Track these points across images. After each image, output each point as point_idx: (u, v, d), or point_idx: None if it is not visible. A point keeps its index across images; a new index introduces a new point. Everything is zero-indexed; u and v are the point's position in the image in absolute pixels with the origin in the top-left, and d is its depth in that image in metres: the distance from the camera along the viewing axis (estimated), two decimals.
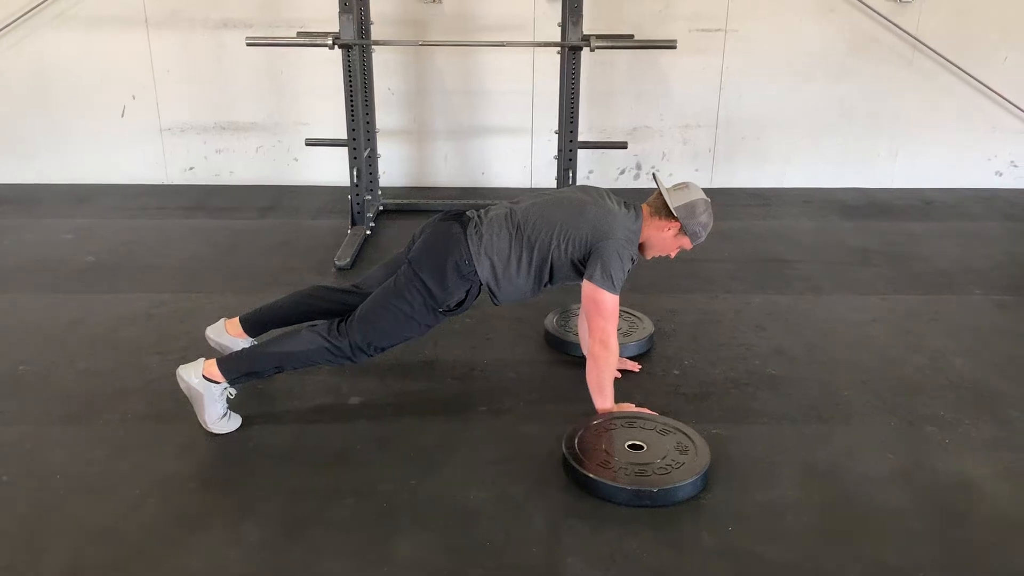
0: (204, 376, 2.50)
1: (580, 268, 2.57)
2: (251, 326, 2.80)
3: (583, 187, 2.77)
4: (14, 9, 4.83)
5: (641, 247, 2.64)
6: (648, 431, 2.48)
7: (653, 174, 2.75)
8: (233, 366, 2.55)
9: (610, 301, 2.51)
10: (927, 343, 3.21)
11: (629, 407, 2.61)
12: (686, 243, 2.63)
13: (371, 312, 2.58)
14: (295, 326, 2.72)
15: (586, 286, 2.52)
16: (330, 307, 2.74)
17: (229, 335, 2.78)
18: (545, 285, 2.65)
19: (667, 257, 2.70)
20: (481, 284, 2.59)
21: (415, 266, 2.57)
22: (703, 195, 2.60)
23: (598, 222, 2.55)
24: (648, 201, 2.65)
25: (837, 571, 2.03)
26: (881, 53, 5.03)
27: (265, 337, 2.80)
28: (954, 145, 5.24)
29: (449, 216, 2.65)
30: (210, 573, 2.00)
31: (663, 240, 2.62)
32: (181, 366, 2.54)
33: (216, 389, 2.52)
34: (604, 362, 2.54)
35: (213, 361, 2.54)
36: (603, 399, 2.57)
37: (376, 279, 2.73)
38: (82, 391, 2.80)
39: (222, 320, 2.82)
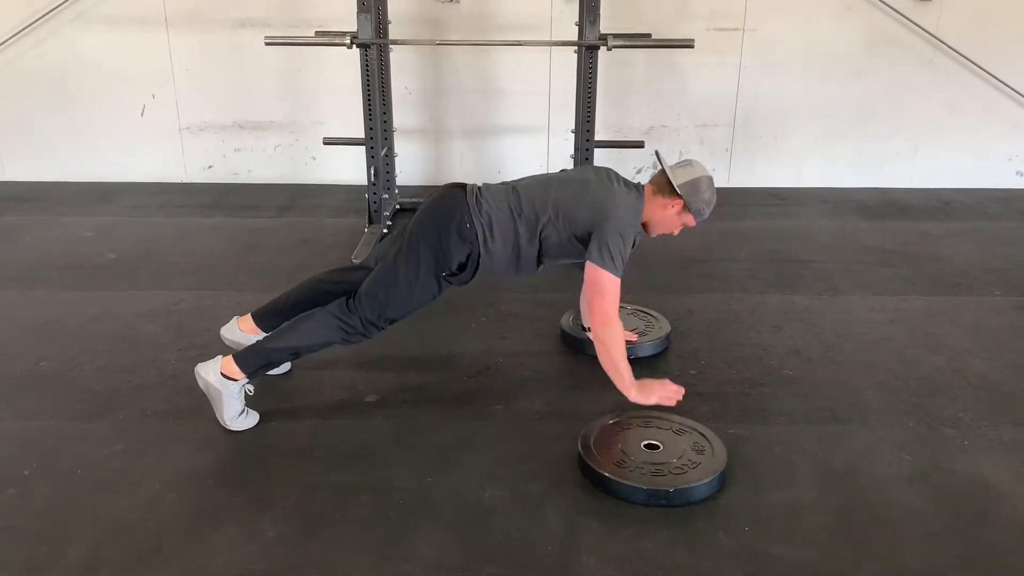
0: (222, 373, 2.51)
1: (580, 247, 2.56)
2: (264, 320, 2.78)
3: (593, 167, 2.76)
4: (36, 8, 4.89)
5: (645, 226, 2.64)
6: (664, 431, 2.48)
7: (655, 152, 2.69)
8: (249, 360, 2.55)
9: (611, 282, 2.50)
10: (945, 344, 3.19)
11: (653, 383, 2.54)
12: (689, 220, 2.62)
13: (377, 284, 2.57)
14: (305, 313, 2.69)
15: (588, 266, 2.52)
16: (342, 289, 2.71)
17: (242, 332, 2.78)
18: (540, 263, 2.65)
19: (671, 235, 2.69)
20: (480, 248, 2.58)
21: (416, 231, 2.58)
22: (707, 172, 2.58)
23: (600, 202, 2.55)
24: (651, 179, 2.64)
25: (854, 572, 2.02)
26: (900, 52, 5.00)
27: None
28: (973, 145, 5.20)
29: (450, 185, 2.68)
30: (228, 568, 2.02)
31: (667, 218, 2.61)
32: (199, 364, 2.56)
33: (234, 387, 2.53)
34: (611, 343, 2.50)
35: (230, 358, 2.54)
36: (621, 378, 2.52)
37: (382, 253, 2.71)
38: (102, 387, 2.83)
39: (234, 318, 2.82)
